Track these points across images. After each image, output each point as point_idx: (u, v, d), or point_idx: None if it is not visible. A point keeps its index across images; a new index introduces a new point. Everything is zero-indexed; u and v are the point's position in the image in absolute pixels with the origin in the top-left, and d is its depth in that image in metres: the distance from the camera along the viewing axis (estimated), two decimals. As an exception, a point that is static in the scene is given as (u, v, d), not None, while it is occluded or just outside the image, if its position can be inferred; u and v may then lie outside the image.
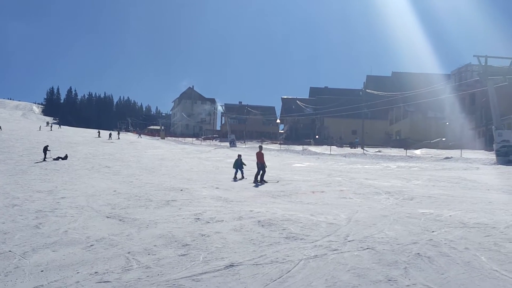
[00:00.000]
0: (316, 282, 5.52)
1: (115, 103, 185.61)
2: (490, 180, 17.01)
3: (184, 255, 6.89)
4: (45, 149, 30.58)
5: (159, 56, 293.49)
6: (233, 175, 19.92)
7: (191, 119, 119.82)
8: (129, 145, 51.19)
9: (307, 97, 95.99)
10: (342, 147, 53.73)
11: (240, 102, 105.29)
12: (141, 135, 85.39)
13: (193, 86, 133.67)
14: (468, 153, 30.56)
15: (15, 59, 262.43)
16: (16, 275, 6.08)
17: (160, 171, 23.37)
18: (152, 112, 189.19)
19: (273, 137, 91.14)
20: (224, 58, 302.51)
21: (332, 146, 46.93)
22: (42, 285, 5.66)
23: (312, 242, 7.52)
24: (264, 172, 18.48)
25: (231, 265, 6.26)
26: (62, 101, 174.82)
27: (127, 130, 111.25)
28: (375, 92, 49.26)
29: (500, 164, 24.61)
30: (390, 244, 7.21)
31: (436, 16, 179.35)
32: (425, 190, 14.40)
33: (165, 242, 7.75)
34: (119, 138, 64.43)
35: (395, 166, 26.00)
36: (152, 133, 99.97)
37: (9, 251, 7.30)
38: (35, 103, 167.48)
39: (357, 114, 58.62)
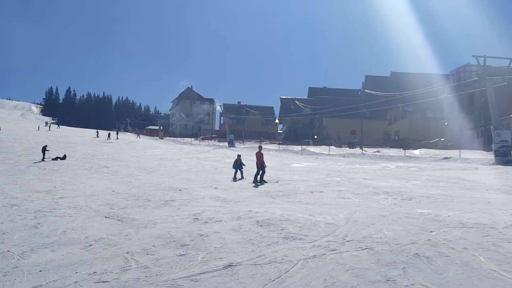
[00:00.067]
0: (314, 282, 5.52)
1: (114, 103, 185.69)
2: (489, 180, 17.02)
3: (182, 255, 6.89)
4: (44, 149, 30.56)
5: (158, 56, 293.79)
6: (233, 175, 19.91)
7: (189, 119, 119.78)
8: (128, 145, 51.19)
9: (306, 97, 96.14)
10: (340, 147, 53.76)
11: (238, 102, 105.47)
12: (140, 135, 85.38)
13: (191, 86, 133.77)
14: (466, 153, 30.57)
15: (14, 59, 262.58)
16: (14, 275, 6.08)
17: (159, 171, 23.36)
18: (151, 112, 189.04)
19: (271, 137, 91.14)
20: (223, 58, 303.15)
21: (330, 146, 46.94)
22: (40, 285, 5.66)
23: (311, 242, 7.53)
24: (263, 172, 18.48)
25: (230, 265, 6.26)
26: (61, 101, 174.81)
27: (126, 130, 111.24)
28: (374, 92, 49.30)
29: (499, 164, 24.62)
30: (388, 244, 7.21)
31: (435, 16, 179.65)
32: (423, 190, 14.40)
33: (163, 242, 7.75)
34: (117, 138, 64.45)
35: (393, 166, 26.00)
36: (151, 133, 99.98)
37: (8, 251, 7.29)
38: (34, 103, 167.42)
39: (355, 114, 58.61)
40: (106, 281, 5.72)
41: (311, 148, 47.16)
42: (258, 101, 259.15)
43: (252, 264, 6.31)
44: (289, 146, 53.79)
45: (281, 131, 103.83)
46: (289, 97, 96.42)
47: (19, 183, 17.79)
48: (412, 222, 8.96)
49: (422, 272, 5.77)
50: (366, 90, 53.50)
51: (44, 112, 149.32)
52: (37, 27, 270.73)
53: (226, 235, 8.21)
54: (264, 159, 19.07)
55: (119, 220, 9.98)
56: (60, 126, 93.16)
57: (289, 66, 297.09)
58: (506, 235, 7.64)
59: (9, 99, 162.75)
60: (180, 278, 5.79)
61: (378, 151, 40.48)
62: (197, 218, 9.91)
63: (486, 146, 36.49)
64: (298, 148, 48.30)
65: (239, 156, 20.87)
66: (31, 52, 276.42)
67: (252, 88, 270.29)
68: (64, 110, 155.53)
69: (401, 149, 39.64)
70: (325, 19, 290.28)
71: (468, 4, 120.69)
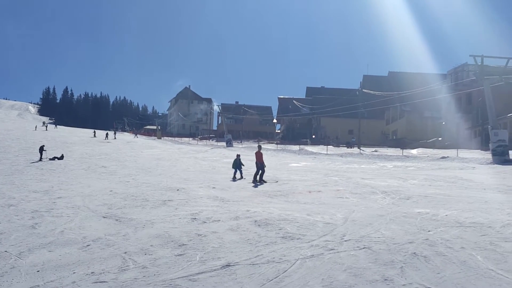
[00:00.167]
0: (312, 282, 5.53)
1: (111, 103, 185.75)
2: (486, 180, 17.05)
3: (180, 255, 6.89)
4: (41, 149, 30.53)
5: (156, 56, 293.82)
6: (232, 175, 19.89)
7: (187, 119, 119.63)
8: (126, 145, 51.14)
9: (304, 97, 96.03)
10: (338, 146, 53.75)
11: (236, 102, 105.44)
12: (138, 135, 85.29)
13: (189, 86, 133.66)
14: (464, 153, 30.63)
15: (11, 59, 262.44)
16: (12, 276, 6.06)
17: (157, 171, 23.35)
18: (149, 112, 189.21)
19: (269, 137, 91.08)
20: (221, 58, 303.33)
21: (328, 146, 47.01)
22: (38, 285, 5.64)
23: (309, 241, 7.53)
24: (263, 172, 18.47)
25: (228, 265, 6.26)
26: (58, 101, 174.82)
27: (124, 130, 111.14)
28: (372, 91, 49.29)
29: (496, 164, 24.66)
30: (386, 243, 7.22)
31: (433, 16, 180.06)
32: (421, 190, 14.42)
33: (161, 242, 7.74)
34: (115, 138, 64.35)
35: (391, 166, 26.03)
36: (149, 133, 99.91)
37: (5, 251, 7.28)
38: (31, 103, 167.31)
39: (353, 113, 58.68)
40: (104, 281, 5.71)
41: (309, 148, 47.18)
42: (256, 100, 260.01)
43: (250, 264, 6.31)
44: (287, 145, 53.81)
45: (279, 131, 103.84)
46: (287, 96, 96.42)
47: (16, 183, 17.75)
48: (409, 222, 8.97)
49: (419, 272, 5.78)
50: (364, 90, 53.52)
51: (42, 112, 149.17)
52: (35, 27, 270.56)
53: (224, 235, 8.21)
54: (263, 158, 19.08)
55: (117, 220, 9.97)
56: (58, 126, 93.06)
57: (287, 65, 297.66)
58: (503, 234, 7.65)
59: (6, 99, 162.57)
60: (178, 278, 5.78)
61: (376, 151, 40.52)
62: (195, 218, 9.90)
63: (484, 146, 36.53)
64: (296, 147, 48.33)
65: (238, 156, 20.84)
66: (29, 52, 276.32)
67: (250, 87, 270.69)
68: (61, 110, 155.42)
69: (399, 149, 39.66)
70: (323, 19, 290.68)
71: (465, 4, 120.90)
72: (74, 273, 6.09)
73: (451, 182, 16.45)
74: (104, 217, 10.35)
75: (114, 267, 6.32)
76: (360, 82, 62.23)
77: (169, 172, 22.65)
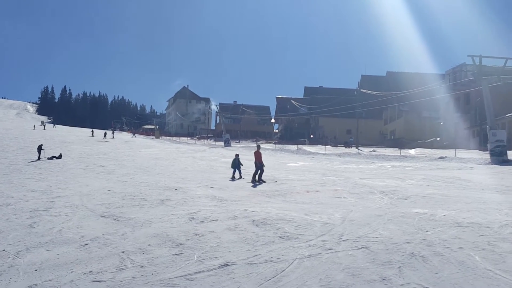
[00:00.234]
0: (310, 282, 5.53)
1: (109, 102, 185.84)
2: (484, 180, 17.06)
3: (178, 254, 6.89)
4: (40, 148, 30.49)
5: (154, 55, 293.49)
6: (231, 174, 19.87)
7: (185, 119, 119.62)
8: (124, 145, 51.10)
9: (302, 97, 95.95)
10: (336, 146, 53.75)
11: (234, 102, 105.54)
12: (136, 135, 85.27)
13: (187, 85, 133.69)
14: (462, 153, 30.64)
15: (9, 58, 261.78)
16: (10, 274, 6.06)
17: (155, 171, 23.33)
18: (147, 112, 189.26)
19: (267, 137, 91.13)
20: (219, 58, 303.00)
21: (326, 146, 46.98)
22: (36, 284, 5.64)
23: (307, 241, 7.53)
24: (262, 171, 18.47)
25: (226, 265, 6.26)
26: (56, 100, 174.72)
27: (122, 130, 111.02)
28: (370, 91, 49.24)
29: (494, 164, 24.67)
30: (384, 243, 7.23)
31: (431, 16, 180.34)
32: (419, 190, 14.43)
33: (159, 241, 7.75)
34: (113, 137, 64.30)
35: (389, 166, 26.04)
36: (147, 133, 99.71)
37: (3, 250, 7.28)
38: (29, 102, 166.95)
39: (351, 113, 58.69)
40: (102, 280, 5.71)
41: (307, 148, 47.17)
42: (254, 100, 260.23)
43: (248, 264, 6.31)
44: (285, 145, 53.79)
45: (277, 131, 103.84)
46: (285, 96, 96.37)
47: (14, 182, 17.74)
48: (407, 222, 8.98)
49: (417, 272, 5.78)
50: (362, 90, 53.47)
51: (40, 111, 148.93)
52: (33, 26, 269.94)
53: (222, 234, 8.21)
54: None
55: (115, 219, 9.98)
56: (56, 125, 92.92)
57: (285, 65, 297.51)
58: (501, 235, 7.66)
59: (5, 98, 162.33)
60: (176, 277, 5.78)
61: (374, 151, 40.50)
62: (193, 218, 9.91)
63: (482, 146, 36.56)
64: (294, 147, 48.33)
65: (237, 155, 20.82)
66: (27, 51, 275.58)
67: (248, 87, 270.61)
68: (59, 109, 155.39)
69: (397, 149, 39.65)
70: (321, 18, 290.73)
71: (464, 3, 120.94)
72: (72, 272, 6.09)
73: (449, 182, 16.46)
74: (102, 216, 10.35)
75: (112, 266, 6.32)
76: (358, 82, 62.12)
77: (167, 172, 22.64)
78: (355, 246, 7.09)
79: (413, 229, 8.28)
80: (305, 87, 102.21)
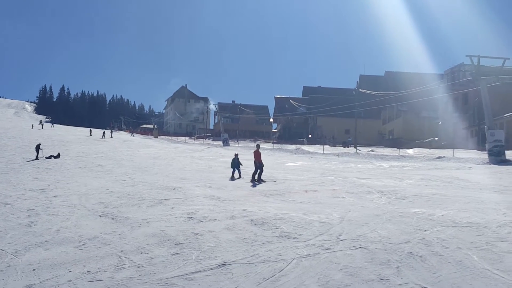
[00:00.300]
0: (308, 281, 5.53)
1: (108, 101, 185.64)
2: (483, 180, 17.07)
3: (176, 254, 6.89)
4: (38, 148, 30.42)
5: (153, 54, 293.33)
6: (230, 174, 19.86)
7: (184, 118, 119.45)
8: (122, 144, 51.08)
9: (300, 96, 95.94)
10: (335, 146, 53.71)
11: (233, 101, 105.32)
12: (134, 134, 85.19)
13: (186, 85, 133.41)
14: (460, 153, 30.65)
15: (7, 57, 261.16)
16: (8, 274, 6.05)
17: (153, 170, 23.32)
18: (145, 111, 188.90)
19: (266, 136, 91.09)
20: (218, 57, 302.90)
21: (325, 146, 46.94)
22: (34, 284, 5.64)
23: (305, 241, 7.54)
24: (261, 171, 18.47)
25: (224, 264, 6.26)
26: (55, 99, 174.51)
27: (120, 129, 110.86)
28: (368, 91, 49.23)
29: (492, 164, 24.68)
30: (382, 243, 7.23)
31: (430, 16, 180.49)
32: (417, 190, 14.44)
33: (157, 241, 7.75)
34: (111, 137, 64.26)
35: (387, 166, 26.05)
36: (145, 132, 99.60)
37: (1, 249, 7.27)
38: (27, 101, 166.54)
39: (350, 113, 58.63)
40: (100, 280, 5.71)
41: (306, 147, 47.13)
42: (252, 100, 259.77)
43: (246, 263, 6.31)
44: (284, 145, 53.75)
45: (275, 130, 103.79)
46: (283, 96, 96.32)
47: (12, 181, 17.72)
48: (406, 221, 8.99)
49: (415, 271, 5.79)
50: (360, 90, 53.41)
51: (38, 111, 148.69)
52: (31, 25, 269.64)
53: (220, 234, 8.22)
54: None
55: (113, 219, 9.97)
56: (54, 124, 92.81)
57: (283, 65, 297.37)
58: (499, 234, 7.67)
59: (3, 97, 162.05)
60: (174, 277, 5.78)
61: (372, 151, 40.49)
62: (191, 217, 9.91)
63: (480, 146, 36.56)
64: (292, 147, 48.30)
65: (236, 155, 20.82)
66: (25, 50, 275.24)
67: (247, 87, 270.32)
68: (58, 108, 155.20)
69: (395, 149, 39.65)
70: (319, 18, 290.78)
71: (462, 3, 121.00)
72: (70, 271, 6.09)
73: (447, 182, 16.48)
74: (101, 216, 10.35)
75: (110, 265, 6.32)
76: (357, 81, 62.05)
77: (166, 171, 22.63)
78: (353, 246, 7.10)
79: (411, 228, 8.29)
80: (304, 86, 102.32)
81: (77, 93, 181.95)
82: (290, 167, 26.52)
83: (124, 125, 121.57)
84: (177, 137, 79.20)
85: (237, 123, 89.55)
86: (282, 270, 5.97)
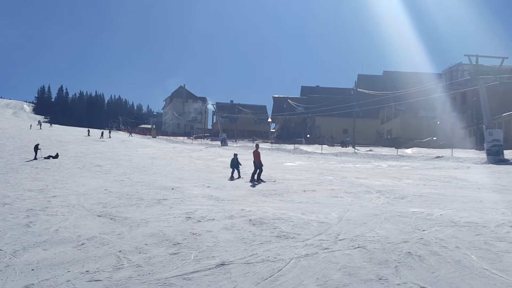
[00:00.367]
0: (307, 281, 5.53)
1: (106, 101, 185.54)
2: (481, 179, 17.09)
3: (175, 254, 6.89)
4: (36, 148, 30.41)
5: (151, 54, 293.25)
6: (229, 174, 19.86)
7: (182, 118, 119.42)
8: (120, 144, 51.04)
9: (299, 96, 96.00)
10: (333, 146, 53.69)
11: (231, 101, 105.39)
12: (132, 134, 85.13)
13: (184, 84, 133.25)
14: (459, 152, 30.68)
15: (5, 57, 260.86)
16: (6, 274, 6.05)
17: (151, 170, 23.32)
18: (143, 111, 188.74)
19: (264, 136, 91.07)
20: (216, 57, 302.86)
21: (323, 145, 46.94)
22: (32, 284, 5.63)
23: (303, 241, 7.54)
24: (261, 171, 18.47)
25: (222, 264, 6.26)
26: (53, 99, 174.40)
27: (118, 129, 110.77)
28: (367, 91, 49.29)
29: (491, 163, 24.72)
30: (381, 243, 7.24)
31: (428, 15, 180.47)
32: (416, 189, 14.45)
33: (156, 241, 7.74)
34: (110, 137, 64.21)
35: (386, 165, 26.07)
36: (143, 132, 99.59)
37: (0, 249, 7.26)
38: (26, 101, 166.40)
39: (348, 113, 58.72)
40: (99, 280, 5.71)
41: (304, 147, 47.14)
42: (250, 100, 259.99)
43: (245, 263, 6.31)
44: (282, 145, 53.80)
45: (273, 130, 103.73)
46: (281, 96, 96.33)
47: (11, 181, 17.72)
48: (404, 221, 8.99)
49: (414, 271, 5.79)
50: (358, 89, 53.54)
51: (36, 111, 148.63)
52: (29, 25, 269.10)
53: (218, 233, 8.21)
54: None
55: (111, 219, 9.97)
56: (52, 124, 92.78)
57: (281, 64, 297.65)
58: (497, 234, 7.68)
59: (1, 98, 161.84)
60: (173, 276, 5.78)
61: (370, 150, 40.57)
62: (190, 217, 9.91)
63: (478, 145, 36.57)
64: (290, 147, 48.32)
65: (235, 155, 20.81)
66: (23, 50, 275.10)
67: (245, 86, 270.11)
68: (56, 108, 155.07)
69: (394, 148, 39.72)
70: (318, 18, 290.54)
71: (460, 3, 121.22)
72: (68, 271, 6.08)
73: (445, 182, 16.49)
74: (99, 216, 10.35)
75: (108, 265, 6.32)
76: (355, 81, 62.30)
77: (164, 171, 22.63)
78: (352, 246, 7.10)
79: (410, 228, 8.29)
80: (302, 86, 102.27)
81: (75, 93, 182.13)
82: (289, 167, 26.53)
83: (123, 125, 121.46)
84: (175, 137, 79.21)
85: (235, 123, 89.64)
86: (281, 270, 5.97)
